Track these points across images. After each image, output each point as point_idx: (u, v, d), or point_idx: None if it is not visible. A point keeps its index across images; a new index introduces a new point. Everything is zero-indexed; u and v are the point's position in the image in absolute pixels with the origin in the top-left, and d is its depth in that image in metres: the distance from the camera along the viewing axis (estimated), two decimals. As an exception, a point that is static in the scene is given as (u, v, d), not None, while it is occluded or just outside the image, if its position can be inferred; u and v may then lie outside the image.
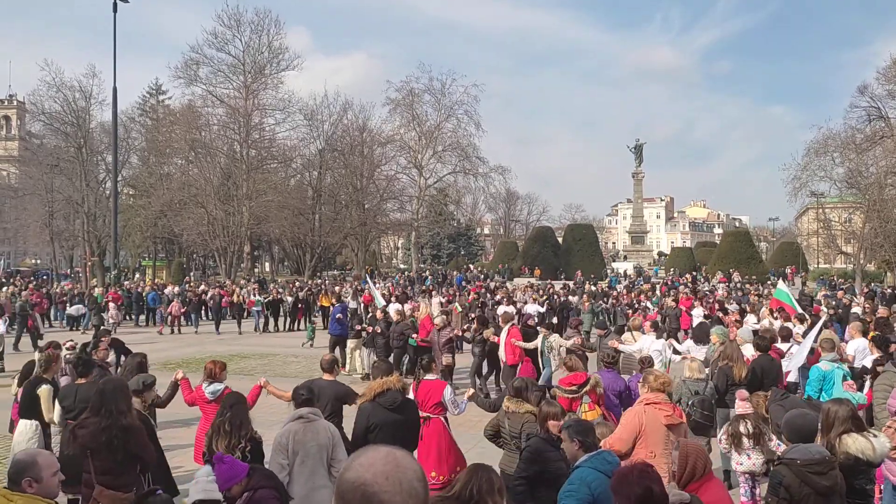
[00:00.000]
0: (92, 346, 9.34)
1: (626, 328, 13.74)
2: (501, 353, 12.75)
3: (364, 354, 15.86)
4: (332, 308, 19.39)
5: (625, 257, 57.36)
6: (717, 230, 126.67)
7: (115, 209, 33.61)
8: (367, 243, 56.37)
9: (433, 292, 29.86)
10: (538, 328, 13.27)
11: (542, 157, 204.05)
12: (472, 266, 53.60)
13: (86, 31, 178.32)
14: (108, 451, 4.96)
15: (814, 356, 9.36)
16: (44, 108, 45.53)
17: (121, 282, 34.98)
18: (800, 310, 14.58)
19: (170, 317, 25.62)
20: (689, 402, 7.80)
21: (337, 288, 30.83)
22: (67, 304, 27.25)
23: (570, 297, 27.55)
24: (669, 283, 37.81)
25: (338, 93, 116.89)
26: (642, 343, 11.00)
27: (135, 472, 5.19)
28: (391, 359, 13.57)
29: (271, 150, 50.25)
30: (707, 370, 8.98)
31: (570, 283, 37.25)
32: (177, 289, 30.24)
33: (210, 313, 27.56)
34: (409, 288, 36.08)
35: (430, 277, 44.30)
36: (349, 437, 6.34)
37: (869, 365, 8.62)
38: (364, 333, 15.81)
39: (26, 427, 7.22)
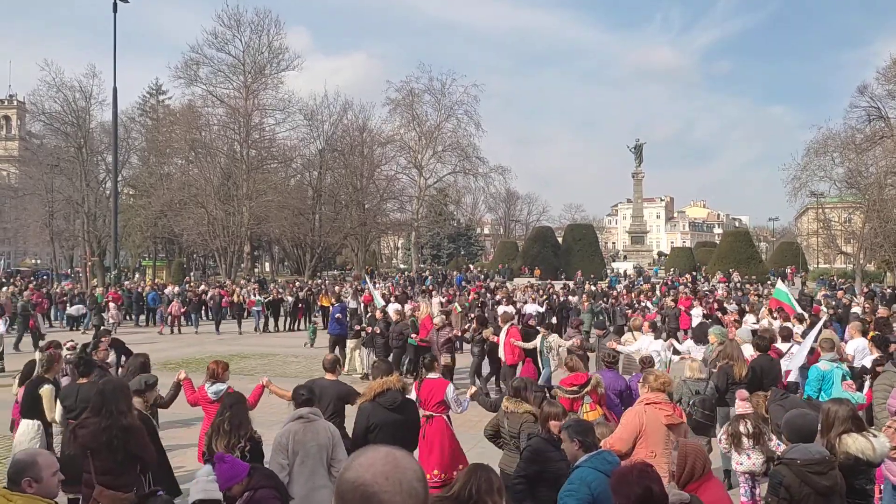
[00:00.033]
0: (92, 347, 9.34)
1: (626, 328, 13.75)
2: (501, 353, 12.75)
3: (364, 354, 15.88)
4: (331, 308, 19.40)
5: (625, 257, 57.37)
6: (717, 230, 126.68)
7: (115, 209, 33.60)
8: (367, 243, 56.38)
9: (433, 292, 29.86)
10: (538, 328, 13.26)
11: (542, 157, 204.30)
12: (472, 266, 53.60)
13: (86, 31, 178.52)
14: (109, 452, 4.96)
15: (814, 356, 9.35)
16: (44, 108, 45.58)
17: (121, 282, 34.98)
18: (799, 309, 14.59)
19: (170, 317, 25.63)
20: (690, 402, 7.80)
21: (337, 288, 30.82)
22: (67, 304, 27.25)
23: (570, 297, 27.56)
24: (669, 283, 37.82)
25: (338, 93, 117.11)
26: (641, 344, 11.00)
27: (135, 472, 5.19)
28: (391, 359, 13.57)
29: (271, 150, 50.26)
30: (706, 370, 8.99)
31: (571, 283, 37.26)
32: (177, 289, 30.25)
33: (210, 313, 27.57)
34: (409, 288, 36.08)
35: (430, 277, 44.30)
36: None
37: (868, 365, 8.62)
38: (363, 333, 15.82)
39: (28, 427, 7.23)
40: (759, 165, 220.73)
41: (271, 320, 26.59)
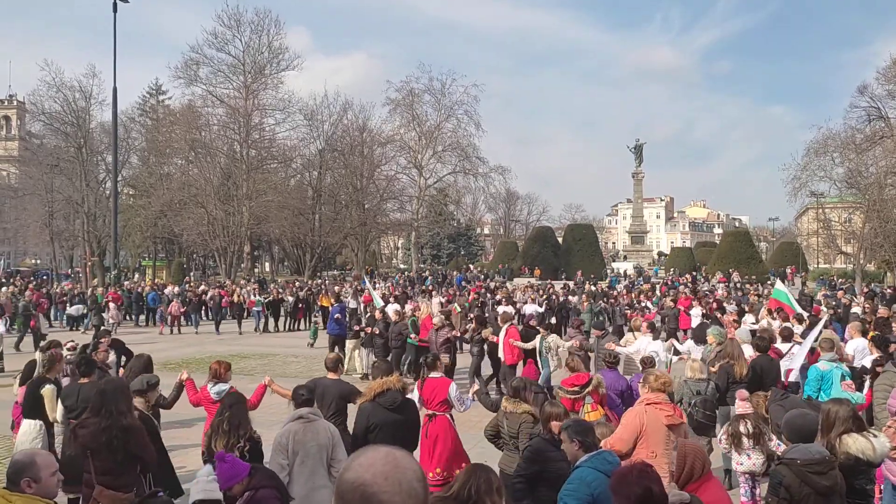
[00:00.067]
0: (92, 348, 9.32)
1: (626, 329, 13.75)
2: (500, 353, 12.76)
3: (363, 354, 15.90)
4: (331, 308, 19.42)
5: (625, 257, 57.38)
6: (717, 230, 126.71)
7: (115, 209, 33.61)
8: (367, 243, 56.39)
9: (433, 292, 29.86)
10: (539, 329, 13.26)
11: (542, 157, 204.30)
12: (472, 266, 53.60)
13: (86, 31, 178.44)
14: (109, 452, 4.96)
15: (814, 356, 9.35)
16: (44, 108, 45.63)
17: (121, 282, 34.98)
18: (799, 309, 14.57)
19: (170, 317, 25.63)
20: (692, 403, 7.80)
21: (337, 288, 30.83)
22: (67, 304, 27.26)
23: (570, 298, 27.56)
24: (669, 283, 37.83)
25: (338, 93, 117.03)
26: (640, 345, 10.99)
27: (135, 472, 5.19)
28: (390, 359, 13.57)
29: (271, 150, 50.27)
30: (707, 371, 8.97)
31: (571, 283, 37.26)
32: (177, 289, 30.25)
33: (210, 313, 27.57)
34: (409, 288, 36.08)
35: (430, 277, 44.30)
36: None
37: (868, 365, 8.62)
38: (362, 334, 15.83)
39: (30, 427, 7.23)
40: (759, 165, 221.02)
41: (271, 320, 26.59)
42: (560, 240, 56.41)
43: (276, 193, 47.06)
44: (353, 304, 22.97)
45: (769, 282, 36.10)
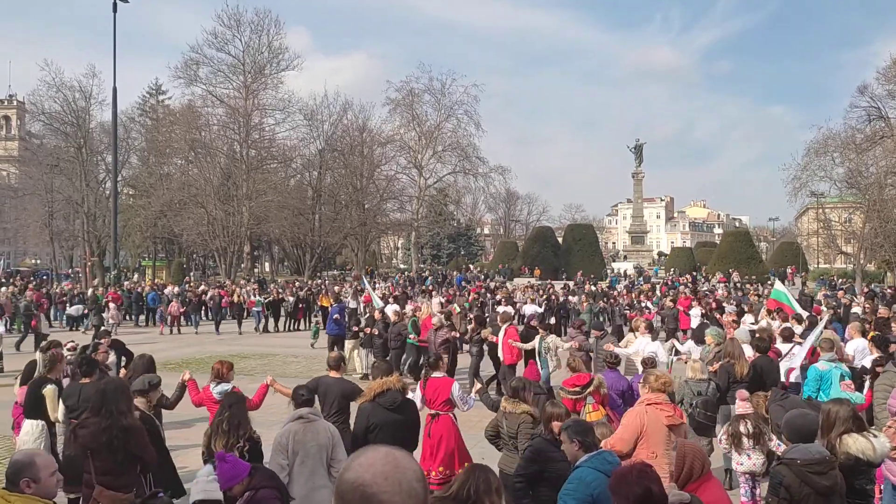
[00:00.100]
0: (92, 349, 9.31)
1: (628, 329, 13.73)
2: (499, 353, 12.77)
3: (362, 354, 15.90)
4: (330, 308, 19.44)
5: (625, 257, 57.40)
6: (717, 230, 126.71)
7: (115, 209, 33.61)
8: (367, 243, 56.39)
9: (433, 292, 29.87)
10: (539, 329, 13.26)
11: (542, 157, 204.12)
12: (472, 266, 53.61)
13: (86, 31, 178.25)
14: (109, 452, 4.96)
15: (814, 356, 9.34)
16: (44, 108, 45.63)
17: (121, 282, 34.98)
18: (798, 309, 14.55)
19: (169, 317, 25.63)
20: (692, 403, 7.79)
21: (336, 288, 30.84)
22: (67, 304, 27.26)
23: (570, 298, 27.59)
24: (669, 283, 37.84)
25: (338, 93, 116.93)
26: (638, 345, 10.98)
27: (135, 472, 5.19)
28: (389, 359, 13.57)
29: (271, 150, 50.28)
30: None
31: (571, 284, 37.27)
32: (177, 289, 30.24)
33: (210, 313, 27.57)
34: (409, 288, 36.09)
35: (430, 277, 44.31)
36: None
37: (868, 365, 8.61)
38: (361, 334, 15.84)
39: (32, 427, 7.23)
40: (759, 165, 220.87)
41: (271, 320, 26.60)
42: (560, 240, 56.43)
43: (276, 193, 47.06)
44: (352, 305, 22.98)
45: (769, 282, 36.12)
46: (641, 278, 42.87)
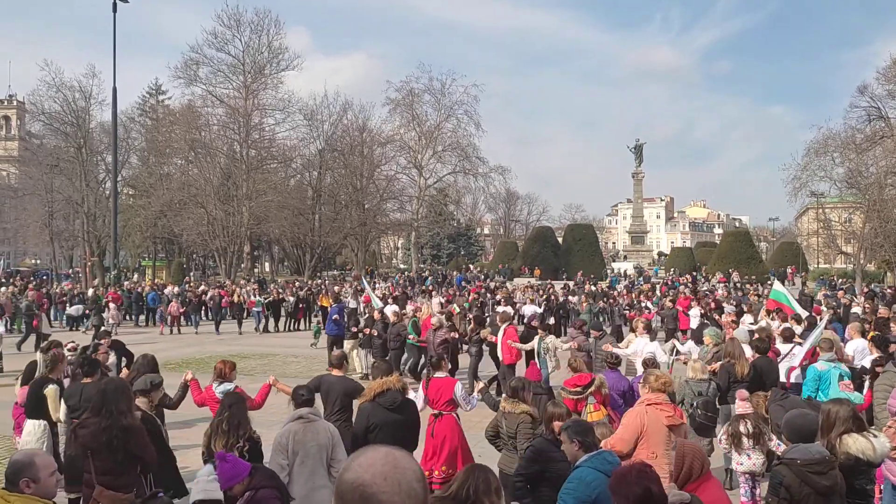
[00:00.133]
0: (92, 350, 9.30)
1: (629, 329, 13.72)
2: (498, 353, 12.77)
3: (361, 354, 15.91)
4: (330, 308, 19.45)
5: (625, 257, 57.40)
6: (717, 230, 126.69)
7: (115, 209, 33.62)
8: (367, 243, 56.39)
9: (433, 292, 29.86)
10: (538, 329, 13.26)
11: (542, 157, 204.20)
12: (472, 266, 53.61)
13: (86, 31, 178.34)
14: (109, 452, 4.95)
15: (815, 356, 9.34)
16: (44, 108, 45.63)
17: (120, 282, 34.99)
18: (798, 309, 14.55)
19: (169, 317, 25.63)
20: (693, 404, 7.79)
21: (336, 288, 30.83)
22: (67, 304, 27.25)
23: (570, 298, 27.58)
24: (669, 283, 37.84)
25: (338, 93, 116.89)
26: (636, 346, 10.98)
27: (135, 472, 5.18)
28: (389, 359, 13.56)
29: (271, 150, 50.28)
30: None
31: (571, 284, 37.27)
32: (176, 289, 30.24)
33: (210, 313, 27.57)
34: (409, 288, 36.08)
35: (430, 277, 44.30)
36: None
37: (868, 365, 8.61)
38: (361, 335, 15.84)
39: (35, 427, 7.23)
40: (759, 165, 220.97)
41: (271, 320, 26.59)
42: (560, 240, 56.43)
43: (276, 193, 47.06)
44: (352, 304, 22.98)
45: (769, 282, 36.13)
46: (641, 278, 42.87)
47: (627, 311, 23.95)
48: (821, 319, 12.27)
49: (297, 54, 65.73)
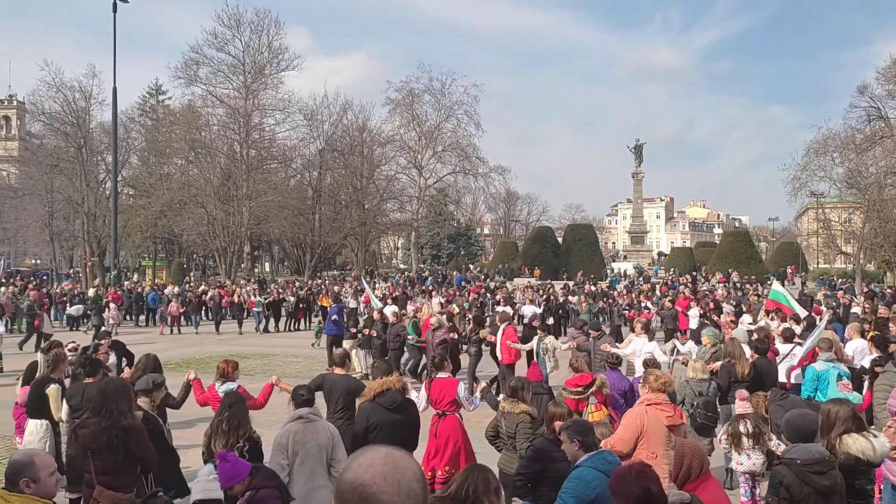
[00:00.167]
0: (92, 350, 9.31)
1: (629, 329, 13.72)
2: (498, 353, 12.77)
3: (361, 355, 15.91)
4: (329, 309, 19.45)
5: (625, 257, 57.38)
6: (717, 230, 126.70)
7: (115, 209, 33.63)
8: (367, 243, 56.39)
9: (433, 292, 29.86)
10: (537, 329, 13.26)
11: (542, 157, 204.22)
12: (472, 266, 53.61)
13: (86, 31, 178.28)
14: (109, 452, 4.95)
15: (815, 357, 9.34)
16: (44, 108, 45.63)
17: (121, 282, 34.99)
18: (797, 309, 14.54)
19: (169, 317, 25.63)
20: (694, 404, 7.79)
21: (336, 288, 30.83)
22: (67, 305, 27.25)
23: (570, 298, 27.58)
24: (669, 283, 37.83)
25: (338, 93, 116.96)
26: (635, 346, 10.99)
27: (135, 472, 5.18)
28: (388, 359, 13.56)
29: (271, 151, 50.29)
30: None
31: (570, 284, 37.27)
32: (177, 289, 30.25)
33: (210, 314, 27.58)
34: (409, 288, 36.08)
35: (430, 277, 44.30)
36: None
37: (868, 365, 8.61)
38: (360, 335, 15.85)
39: (37, 427, 7.23)
40: (759, 165, 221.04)
41: (272, 320, 26.59)
42: (560, 240, 56.43)
43: (276, 193, 47.07)
44: (352, 304, 22.99)
45: (768, 282, 36.14)
46: (641, 278, 42.87)
47: (627, 312, 23.93)
48: (820, 319, 12.26)
49: (297, 54, 65.69)
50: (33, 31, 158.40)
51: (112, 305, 24.47)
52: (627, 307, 25.25)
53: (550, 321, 21.61)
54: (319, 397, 6.68)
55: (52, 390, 7.30)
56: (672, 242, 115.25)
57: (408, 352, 14.86)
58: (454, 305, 20.72)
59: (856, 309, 18.58)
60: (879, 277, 47.90)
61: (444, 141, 53.34)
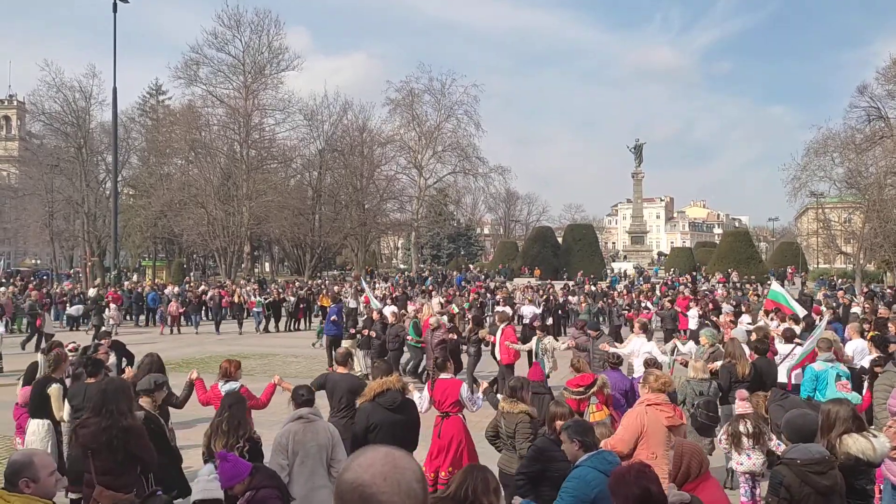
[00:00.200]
0: (92, 350, 9.31)
1: (629, 329, 13.71)
2: (496, 353, 12.77)
3: (360, 355, 15.89)
4: (329, 308, 19.46)
5: (625, 257, 57.35)
6: (717, 230, 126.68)
7: (115, 209, 33.66)
8: (367, 243, 56.38)
9: (433, 292, 29.85)
10: (536, 329, 13.26)
11: (542, 157, 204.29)
12: (472, 266, 53.59)
13: (86, 31, 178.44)
14: (109, 452, 4.96)
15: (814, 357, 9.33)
16: (44, 108, 45.65)
17: (121, 282, 34.99)
18: (796, 309, 14.53)
19: (169, 317, 25.62)
20: (695, 403, 7.79)
21: (336, 288, 30.83)
22: (67, 305, 27.25)
23: (570, 298, 27.58)
24: (669, 283, 37.83)
25: (338, 93, 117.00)
26: (633, 346, 10.98)
27: (135, 472, 5.18)
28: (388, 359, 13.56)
29: (271, 151, 50.29)
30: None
31: (571, 283, 37.27)
32: (177, 289, 30.25)
33: (210, 314, 27.57)
34: (409, 288, 36.07)
35: (430, 277, 44.29)
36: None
37: (867, 366, 8.61)
38: (359, 336, 15.84)
39: (39, 427, 7.23)
40: (759, 165, 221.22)
41: (272, 320, 26.59)
42: (560, 240, 56.40)
43: (276, 193, 47.06)
44: (352, 304, 22.98)
45: (768, 282, 36.12)
46: (641, 278, 42.86)
47: (626, 312, 23.93)
48: (820, 320, 12.25)
49: (297, 54, 65.67)
50: (33, 31, 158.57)
51: (112, 305, 24.47)
52: (627, 307, 25.24)
53: (549, 321, 21.61)
54: (320, 397, 6.68)
55: (54, 390, 7.31)
56: (672, 242, 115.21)
57: (409, 352, 14.86)
58: (454, 305, 20.71)
59: (856, 309, 18.57)
60: (879, 277, 47.88)
61: (444, 141, 53.37)
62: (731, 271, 43.41)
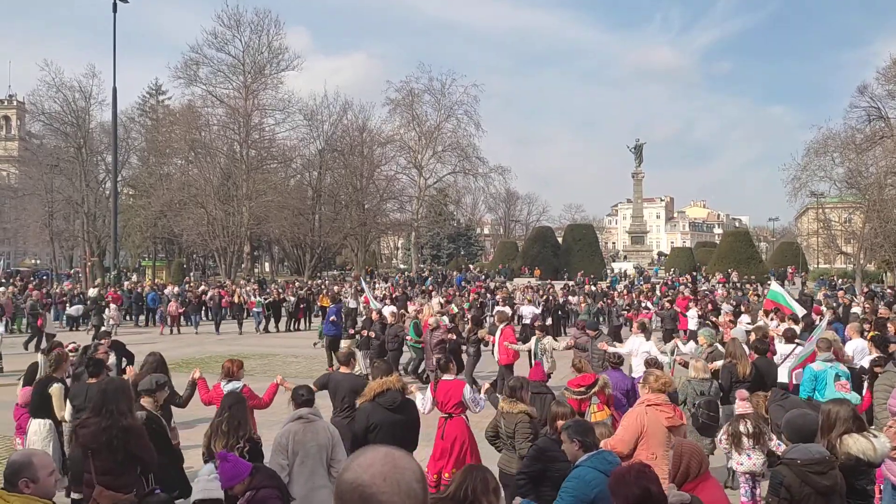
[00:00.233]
0: (92, 350, 9.31)
1: (629, 329, 13.71)
2: (495, 353, 12.78)
3: (359, 355, 15.90)
4: (328, 308, 19.47)
5: (625, 257, 57.35)
6: (717, 230, 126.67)
7: (115, 209, 33.66)
8: (367, 243, 56.40)
9: (433, 293, 29.86)
10: (536, 330, 13.26)
11: (542, 157, 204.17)
12: (472, 266, 53.60)
13: (86, 31, 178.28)
14: (109, 452, 4.95)
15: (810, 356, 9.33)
16: (44, 108, 45.69)
17: (121, 282, 35.00)
18: (796, 309, 14.53)
19: (169, 317, 25.62)
20: (696, 403, 7.79)
21: (336, 288, 30.83)
22: (67, 305, 27.25)
23: (570, 298, 27.58)
24: (669, 283, 37.83)
25: (338, 93, 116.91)
26: (631, 345, 10.97)
27: (135, 472, 5.18)
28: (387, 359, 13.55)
29: (271, 151, 50.30)
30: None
31: (570, 284, 37.28)
32: (176, 289, 30.26)
33: (210, 314, 27.58)
34: (409, 288, 36.08)
35: (430, 278, 44.30)
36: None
37: (867, 366, 8.60)
38: (358, 336, 15.85)
39: (40, 427, 7.24)
40: (759, 165, 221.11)
41: (272, 320, 26.59)
42: (560, 240, 56.41)
43: (276, 193, 47.08)
44: (352, 304, 23.00)
45: (768, 282, 36.11)
46: (641, 278, 42.87)
47: (626, 312, 23.93)
48: (821, 320, 12.25)
49: (297, 54, 65.62)
50: (33, 31, 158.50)
51: (112, 305, 24.47)
52: (627, 307, 25.25)
53: (549, 321, 21.62)
54: (320, 397, 6.68)
55: (56, 389, 7.31)
56: (672, 242, 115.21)
57: (410, 352, 14.86)
58: (454, 306, 20.72)
59: (856, 309, 18.58)
60: (879, 277, 47.87)
61: (444, 141, 53.39)
62: (731, 271, 43.41)
